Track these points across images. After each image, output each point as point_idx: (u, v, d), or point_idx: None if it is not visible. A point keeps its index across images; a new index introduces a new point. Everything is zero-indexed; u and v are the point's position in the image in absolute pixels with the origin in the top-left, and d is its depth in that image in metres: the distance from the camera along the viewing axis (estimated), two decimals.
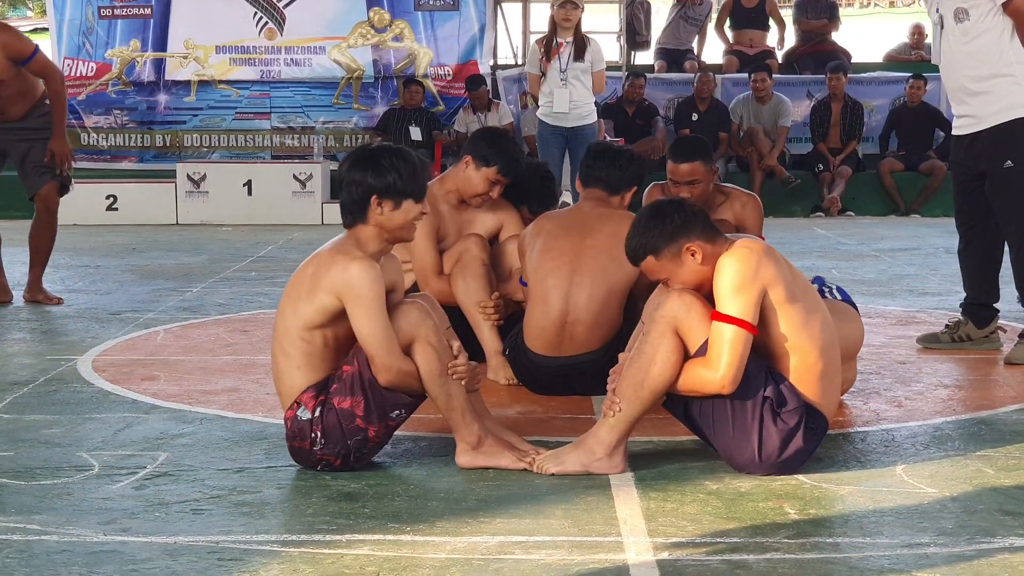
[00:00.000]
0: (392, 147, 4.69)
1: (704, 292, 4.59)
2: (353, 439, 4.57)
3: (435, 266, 6.24)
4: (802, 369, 4.54)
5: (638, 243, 4.63)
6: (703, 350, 4.49)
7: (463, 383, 4.63)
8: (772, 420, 4.50)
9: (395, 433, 5.07)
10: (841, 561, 3.72)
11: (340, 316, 4.55)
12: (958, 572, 3.61)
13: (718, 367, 4.45)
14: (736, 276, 4.47)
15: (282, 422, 5.30)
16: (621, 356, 4.68)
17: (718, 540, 3.90)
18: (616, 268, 5.72)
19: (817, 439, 4.63)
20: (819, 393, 4.57)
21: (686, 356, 4.53)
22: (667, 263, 4.58)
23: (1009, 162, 6.54)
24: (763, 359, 4.56)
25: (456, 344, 4.65)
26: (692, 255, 4.55)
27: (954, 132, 6.89)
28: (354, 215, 4.64)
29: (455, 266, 6.18)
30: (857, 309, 5.74)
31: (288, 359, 4.61)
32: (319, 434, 4.56)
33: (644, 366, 4.52)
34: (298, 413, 4.59)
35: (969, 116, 6.70)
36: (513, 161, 6.30)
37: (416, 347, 4.55)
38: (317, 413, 4.56)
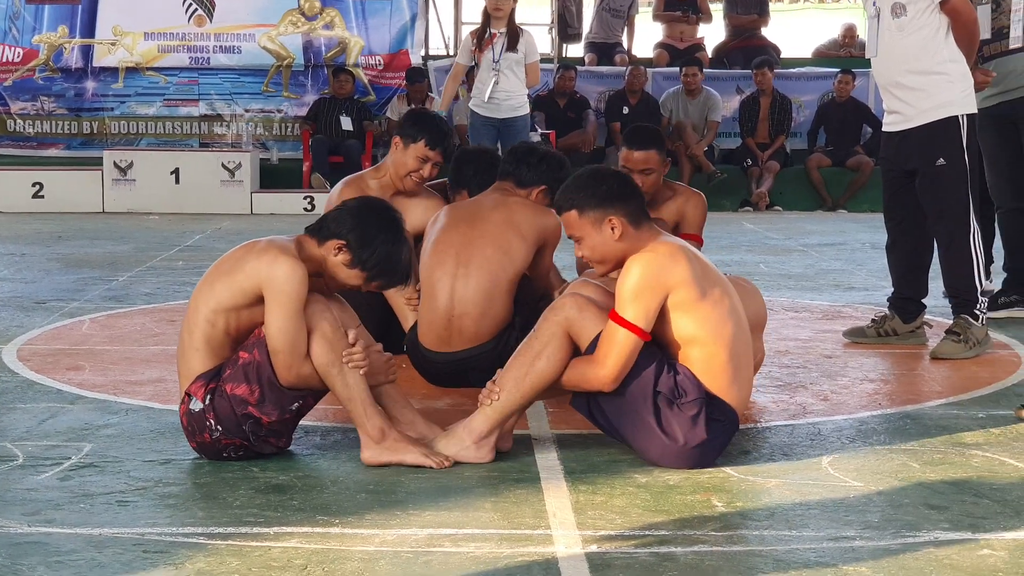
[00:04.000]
0: (400, 231, 4.64)
1: (609, 267, 4.64)
2: (247, 423, 4.54)
3: None
4: (707, 360, 4.54)
5: (568, 195, 4.66)
6: (593, 347, 4.52)
7: (362, 372, 4.58)
8: (671, 411, 4.52)
9: (325, 424, 5.07)
10: (767, 554, 3.74)
11: (251, 304, 4.52)
12: (884, 566, 3.64)
13: (604, 365, 4.48)
14: (638, 281, 4.48)
15: None
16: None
17: (646, 533, 3.90)
18: (503, 257, 5.71)
19: (726, 431, 4.62)
20: (725, 385, 4.56)
21: (576, 354, 4.57)
22: (587, 225, 4.61)
23: (941, 160, 6.58)
24: (659, 351, 4.57)
25: (352, 332, 4.61)
26: (612, 228, 4.58)
27: (885, 128, 6.91)
28: (320, 233, 4.62)
29: None
30: None
31: (191, 338, 4.58)
32: (213, 421, 4.53)
33: (529, 360, 4.56)
34: (190, 406, 4.56)
35: (900, 112, 6.73)
36: (439, 133, 6.26)
37: (311, 338, 4.52)
38: (208, 401, 4.53)
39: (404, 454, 4.58)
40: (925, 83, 6.60)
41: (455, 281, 5.70)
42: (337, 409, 5.31)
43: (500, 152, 11.64)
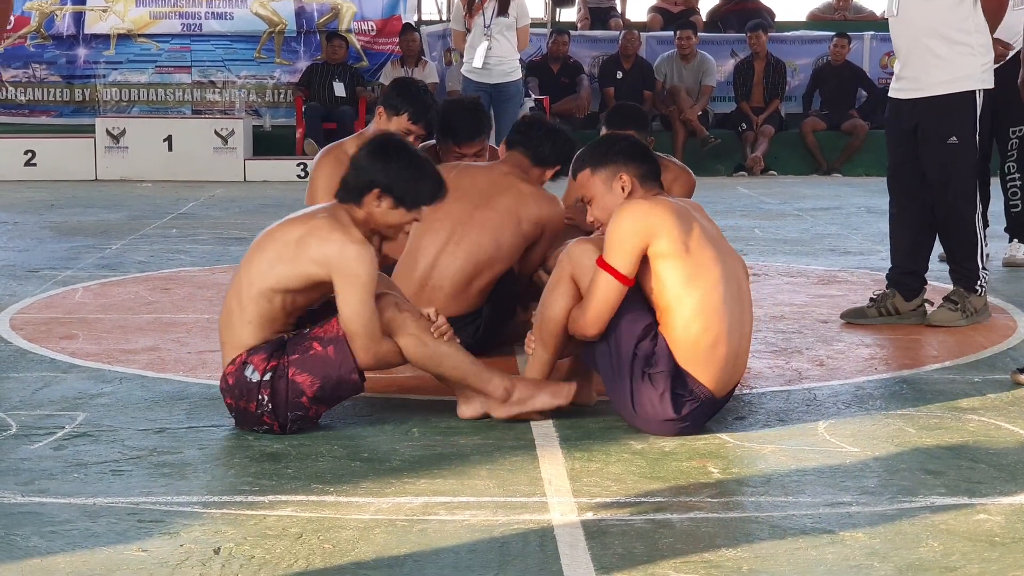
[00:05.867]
0: (414, 150, 4.69)
1: None
2: (294, 413, 4.52)
3: None
4: (678, 329, 4.50)
5: (582, 155, 4.77)
6: None
7: (457, 341, 4.65)
8: (643, 379, 4.51)
9: None
10: (764, 520, 3.73)
11: (313, 286, 4.52)
12: (880, 531, 3.63)
13: (586, 309, 4.54)
14: (620, 226, 4.52)
15: (204, 382, 5.27)
16: None
17: (642, 500, 3.90)
18: (495, 251, 5.66)
19: (693, 411, 4.53)
20: (695, 361, 4.50)
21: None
22: (599, 183, 4.68)
23: (954, 138, 6.37)
24: (649, 315, 4.56)
25: (429, 310, 4.66)
26: (622, 187, 4.64)
27: (894, 94, 6.63)
28: (350, 196, 4.61)
29: None
30: None
31: (242, 312, 4.55)
32: (266, 398, 4.50)
33: (540, 308, 4.69)
34: (246, 373, 4.51)
35: (913, 79, 6.46)
36: (424, 107, 6.15)
37: (400, 339, 4.55)
38: (267, 377, 4.50)
39: (535, 401, 4.66)
40: (947, 52, 6.34)
41: (441, 254, 5.64)
42: None
43: (492, 119, 11.64)
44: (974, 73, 6.38)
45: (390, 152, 4.63)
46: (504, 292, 5.76)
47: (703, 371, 4.52)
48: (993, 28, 6.48)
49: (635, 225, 4.50)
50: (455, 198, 5.71)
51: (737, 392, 5.04)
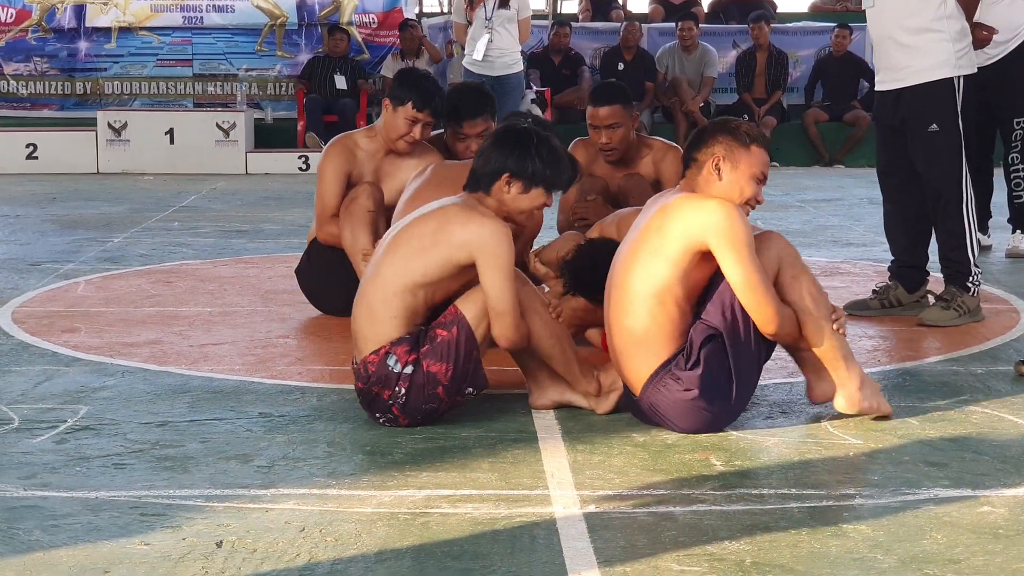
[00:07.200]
0: (541, 132, 4.73)
1: None
2: (427, 405, 4.52)
3: (334, 211, 6.18)
4: None
5: None
6: None
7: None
8: None
9: (321, 386, 5.07)
10: (767, 513, 3.73)
11: (455, 274, 4.54)
12: (884, 523, 3.63)
13: None
14: None
15: (206, 375, 5.28)
16: None
17: (645, 492, 3.89)
18: None
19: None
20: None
21: None
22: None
23: (934, 125, 6.31)
24: None
25: (545, 291, 4.79)
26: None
27: (878, 87, 6.59)
28: (480, 184, 4.66)
29: (343, 213, 6.11)
30: None
31: (387, 307, 4.55)
32: (403, 390, 4.50)
33: None
34: (388, 361, 4.51)
35: (893, 69, 6.42)
36: (427, 94, 6.15)
37: (531, 316, 4.59)
38: (409, 370, 4.50)
39: (618, 382, 4.70)
40: (921, 41, 6.29)
41: None
42: (333, 371, 5.31)
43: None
44: (949, 60, 6.30)
45: (516, 139, 4.68)
46: None
47: None
48: (969, 13, 6.40)
49: None
50: (434, 184, 5.63)
51: None
